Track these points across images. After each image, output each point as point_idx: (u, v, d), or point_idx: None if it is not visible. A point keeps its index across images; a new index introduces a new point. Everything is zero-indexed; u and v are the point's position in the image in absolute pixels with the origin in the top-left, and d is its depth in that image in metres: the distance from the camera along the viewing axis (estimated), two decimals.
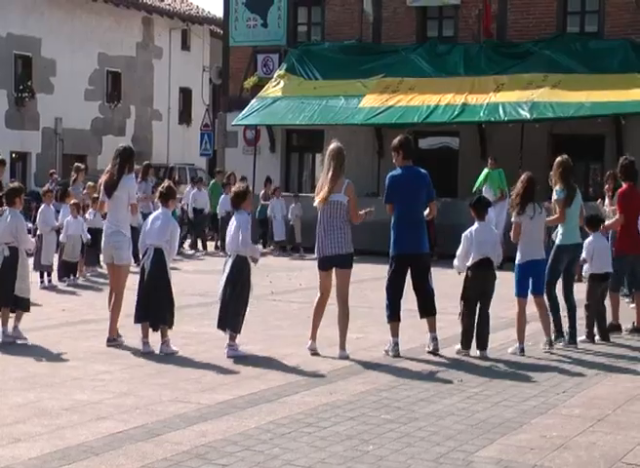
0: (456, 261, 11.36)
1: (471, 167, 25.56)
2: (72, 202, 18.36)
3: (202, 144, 34.04)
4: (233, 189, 11.54)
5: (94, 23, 39.92)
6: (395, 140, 11.46)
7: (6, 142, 36.28)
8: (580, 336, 12.08)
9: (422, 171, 11.46)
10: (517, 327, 11.37)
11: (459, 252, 11.32)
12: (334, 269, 11.02)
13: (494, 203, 22.92)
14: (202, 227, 26.80)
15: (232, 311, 10.83)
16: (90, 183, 21.62)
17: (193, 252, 25.82)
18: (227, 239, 11.15)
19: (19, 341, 11.41)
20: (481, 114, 24.56)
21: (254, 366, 10.25)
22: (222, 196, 27.12)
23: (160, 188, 11.84)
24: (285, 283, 18.34)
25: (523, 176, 11.59)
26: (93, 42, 40.09)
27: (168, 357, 10.67)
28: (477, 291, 11.19)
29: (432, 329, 11.27)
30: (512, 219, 11.53)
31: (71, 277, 17.88)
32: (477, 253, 11.18)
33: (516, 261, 11.52)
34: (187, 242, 26.52)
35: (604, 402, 8.83)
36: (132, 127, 42.63)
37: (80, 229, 18.01)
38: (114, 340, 11.39)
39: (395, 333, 11.14)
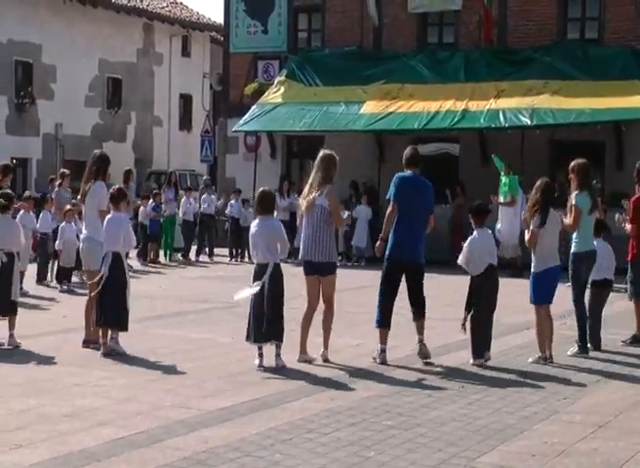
0: (462, 264, 11.09)
1: (472, 173, 25.60)
2: (67, 208, 18.44)
3: (202, 150, 34.05)
4: (258, 194, 11.21)
5: (94, 30, 39.93)
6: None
7: (6, 148, 36.30)
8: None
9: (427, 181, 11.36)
10: (539, 335, 11.25)
11: (462, 259, 11.04)
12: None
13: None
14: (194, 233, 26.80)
15: (278, 322, 10.68)
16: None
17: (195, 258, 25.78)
18: (256, 249, 10.89)
19: (9, 346, 11.43)
20: (481, 120, 24.57)
21: (254, 372, 10.25)
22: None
23: (111, 190, 11.75)
24: None
25: (539, 183, 11.34)
26: (93, 48, 40.11)
27: (169, 363, 10.65)
28: (484, 299, 10.91)
29: (419, 332, 11.03)
30: (531, 227, 11.21)
31: (66, 283, 17.94)
32: (481, 261, 10.96)
33: (533, 270, 11.32)
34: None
35: (605, 408, 8.82)
36: (132, 133, 42.67)
37: (75, 234, 18.11)
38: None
39: (383, 340, 10.96)
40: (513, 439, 7.68)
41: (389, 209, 11.17)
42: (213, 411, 8.40)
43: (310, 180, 11.07)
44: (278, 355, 10.60)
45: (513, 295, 14.14)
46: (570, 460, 7.10)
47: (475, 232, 11.16)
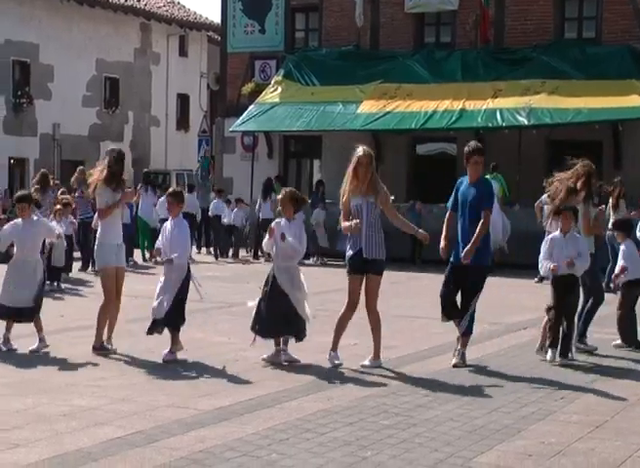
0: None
1: None
2: (57, 208, 18.49)
3: (200, 150, 34.06)
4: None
5: (91, 30, 39.89)
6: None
7: (4, 148, 36.33)
8: (616, 341, 12.09)
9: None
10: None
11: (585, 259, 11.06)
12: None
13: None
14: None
15: (297, 317, 10.72)
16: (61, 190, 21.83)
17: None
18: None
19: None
20: (479, 120, 24.60)
21: (252, 371, 10.24)
22: (214, 201, 27.24)
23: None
24: None
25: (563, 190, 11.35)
26: (90, 48, 40.07)
27: (166, 363, 10.65)
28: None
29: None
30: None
31: (55, 282, 18.00)
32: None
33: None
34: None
35: (602, 408, 8.82)
36: (130, 133, 42.61)
37: (63, 234, 18.15)
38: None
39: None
40: (510, 439, 7.67)
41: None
42: (210, 411, 8.39)
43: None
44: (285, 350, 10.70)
45: (510, 295, 14.15)
46: (567, 460, 7.10)
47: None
